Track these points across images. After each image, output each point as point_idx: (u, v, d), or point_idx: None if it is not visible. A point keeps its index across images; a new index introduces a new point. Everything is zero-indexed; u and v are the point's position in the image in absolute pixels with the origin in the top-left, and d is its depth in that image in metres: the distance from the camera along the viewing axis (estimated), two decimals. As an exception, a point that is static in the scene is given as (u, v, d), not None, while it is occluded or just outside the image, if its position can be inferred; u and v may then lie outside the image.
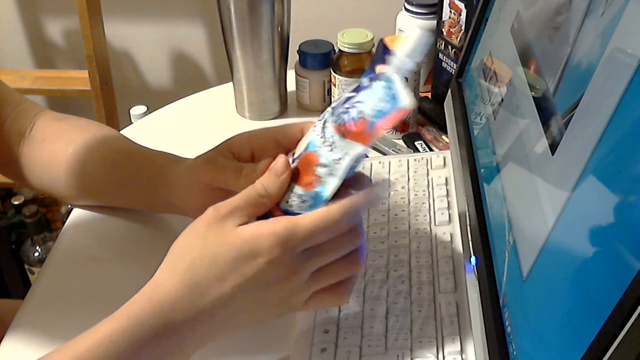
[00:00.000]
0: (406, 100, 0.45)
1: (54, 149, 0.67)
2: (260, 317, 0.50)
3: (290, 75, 0.91)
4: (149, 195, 0.65)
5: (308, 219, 0.47)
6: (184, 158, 0.63)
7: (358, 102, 0.47)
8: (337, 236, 0.48)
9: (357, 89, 0.49)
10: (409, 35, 0.47)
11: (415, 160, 0.75)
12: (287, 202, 0.49)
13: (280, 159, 0.49)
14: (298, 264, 0.47)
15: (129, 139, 0.70)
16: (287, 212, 0.49)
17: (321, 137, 0.49)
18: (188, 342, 0.47)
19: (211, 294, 0.46)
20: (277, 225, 0.46)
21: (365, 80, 0.49)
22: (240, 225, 0.47)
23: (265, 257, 0.46)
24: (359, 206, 0.48)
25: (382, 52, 0.48)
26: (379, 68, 0.48)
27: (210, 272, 0.46)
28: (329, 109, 0.50)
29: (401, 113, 0.46)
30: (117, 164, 0.67)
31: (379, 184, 0.50)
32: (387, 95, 0.46)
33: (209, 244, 0.47)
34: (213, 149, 0.60)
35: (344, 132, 0.47)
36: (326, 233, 0.47)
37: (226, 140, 0.59)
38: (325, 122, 0.49)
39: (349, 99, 0.49)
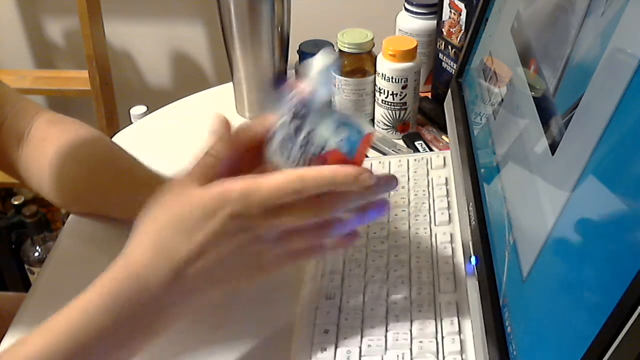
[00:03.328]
0: (367, 127, 0.47)
1: (52, 153, 0.67)
2: (232, 278, 0.49)
3: (290, 75, 0.91)
4: (131, 203, 0.65)
5: (275, 177, 0.46)
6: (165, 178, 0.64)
7: (312, 132, 0.48)
8: (307, 199, 0.47)
9: (299, 116, 0.49)
10: (316, 61, 0.48)
11: (415, 160, 0.75)
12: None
13: (220, 119, 0.52)
14: (264, 218, 0.47)
15: (117, 145, 0.70)
16: None
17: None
18: (163, 308, 0.47)
19: (179, 253, 0.46)
20: (241, 181, 0.46)
21: (292, 106, 0.49)
22: (202, 185, 0.48)
23: (230, 209, 0.46)
24: (331, 177, 0.47)
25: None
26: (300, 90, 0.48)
27: (177, 232, 0.47)
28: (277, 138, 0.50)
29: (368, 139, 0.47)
30: (98, 168, 0.67)
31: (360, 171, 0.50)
32: (340, 123, 0.47)
33: (174, 207, 0.47)
34: None
35: (322, 162, 0.48)
36: (291, 192, 0.46)
37: None
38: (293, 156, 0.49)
39: (297, 130, 0.49)
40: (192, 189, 0.47)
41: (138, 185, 0.64)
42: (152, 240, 0.47)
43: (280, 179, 0.46)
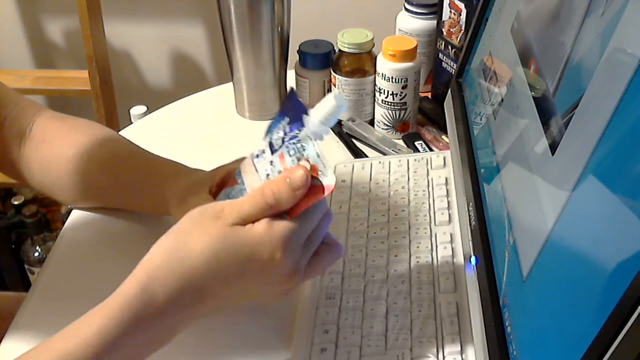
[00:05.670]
0: (332, 180, 0.47)
1: (54, 150, 0.67)
2: (256, 303, 0.52)
3: (290, 75, 0.91)
4: (151, 198, 0.65)
5: (300, 216, 0.48)
6: (183, 170, 0.64)
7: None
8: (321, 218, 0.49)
9: (271, 144, 0.50)
10: (325, 102, 0.48)
11: (415, 160, 0.75)
12: None
13: (300, 172, 0.46)
14: (298, 265, 0.48)
15: (129, 141, 0.70)
16: None
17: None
18: (178, 325, 0.48)
19: (206, 287, 0.46)
20: (280, 227, 0.47)
21: (278, 136, 0.49)
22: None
23: (270, 259, 0.46)
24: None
25: (293, 105, 0.49)
26: (295, 128, 0.49)
27: (209, 269, 0.46)
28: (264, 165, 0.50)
29: (322, 193, 0.47)
30: (118, 167, 0.67)
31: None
32: (305, 162, 0.48)
33: (213, 242, 0.46)
34: (199, 178, 0.60)
35: None
36: (317, 215, 0.48)
37: (214, 169, 0.60)
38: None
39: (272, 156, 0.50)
40: (235, 229, 0.47)
41: (160, 180, 0.64)
42: (181, 268, 0.46)
43: (301, 215, 0.47)
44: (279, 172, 0.49)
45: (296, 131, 0.48)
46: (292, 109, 0.49)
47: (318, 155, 0.47)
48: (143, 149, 0.68)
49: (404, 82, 0.81)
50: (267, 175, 0.49)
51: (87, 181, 0.67)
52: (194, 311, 0.47)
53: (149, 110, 1.00)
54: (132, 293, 0.46)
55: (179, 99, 0.98)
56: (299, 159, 0.48)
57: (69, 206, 0.76)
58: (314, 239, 0.49)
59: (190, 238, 0.47)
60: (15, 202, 1.47)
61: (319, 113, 0.48)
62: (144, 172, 0.65)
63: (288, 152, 0.48)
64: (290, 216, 0.47)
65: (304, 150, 0.48)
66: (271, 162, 0.49)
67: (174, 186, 0.62)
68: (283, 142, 0.49)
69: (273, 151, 0.50)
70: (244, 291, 0.48)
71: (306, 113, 0.48)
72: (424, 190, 0.70)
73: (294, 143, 0.48)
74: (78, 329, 0.45)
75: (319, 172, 0.47)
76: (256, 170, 0.50)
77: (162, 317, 0.46)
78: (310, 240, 0.49)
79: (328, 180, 0.46)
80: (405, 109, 0.84)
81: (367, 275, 0.61)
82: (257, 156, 0.51)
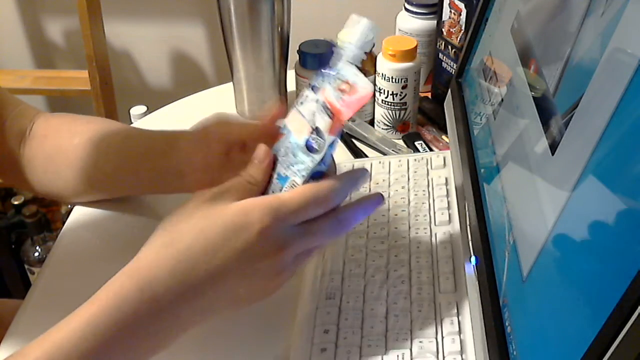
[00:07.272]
0: (368, 85, 0.48)
1: (58, 141, 0.67)
2: (247, 299, 0.49)
3: (290, 75, 0.91)
4: (161, 171, 0.64)
5: (298, 191, 0.48)
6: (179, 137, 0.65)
7: (324, 96, 0.50)
8: (325, 216, 0.49)
9: (313, 88, 0.51)
10: (357, 26, 0.49)
11: (415, 160, 0.75)
12: (273, 191, 0.52)
13: (261, 148, 0.51)
14: (288, 239, 0.47)
15: (134, 127, 0.71)
16: None
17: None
18: (172, 324, 0.46)
19: (198, 269, 0.45)
20: (267, 198, 0.47)
21: (319, 78, 0.51)
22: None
23: (256, 228, 0.45)
24: (345, 185, 0.50)
25: (330, 55, 0.51)
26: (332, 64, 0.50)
27: (197, 245, 0.45)
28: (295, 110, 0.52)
29: (365, 98, 0.48)
30: (125, 148, 0.67)
31: (358, 170, 0.53)
32: (345, 84, 0.49)
33: (196, 218, 0.46)
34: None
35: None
36: (315, 206, 0.48)
37: (199, 130, 0.63)
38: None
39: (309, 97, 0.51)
40: (219, 204, 0.47)
41: (169, 149, 0.64)
42: (167, 249, 0.46)
43: (304, 189, 0.48)
44: (323, 105, 0.49)
45: (332, 67, 0.50)
46: (329, 61, 0.51)
47: (355, 74, 0.49)
48: (146, 129, 0.69)
49: (404, 82, 0.81)
50: (314, 113, 0.50)
51: (92, 168, 0.66)
52: (188, 299, 0.45)
53: (149, 110, 1.00)
54: (118, 282, 0.45)
55: (179, 99, 0.98)
56: (338, 85, 0.49)
57: (72, 202, 0.76)
58: (309, 232, 0.49)
59: (179, 225, 0.47)
60: (15, 202, 1.48)
61: (353, 37, 0.49)
62: (152, 145, 0.65)
63: (329, 83, 0.50)
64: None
65: (342, 76, 0.49)
66: (316, 100, 0.51)
67: (187, 133, 0.64)
68: (323, 79, 0.50)
69: (316, 91, 0.51)
70: (238, 273, 0.46)
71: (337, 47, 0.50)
72: (424, 190, 0.70)
73: (332, 75, 0.50)
74: (67, 322, 0.45)
75: (358, 88, 0.48)
76: (302, 115, 0.52)
77: (156, 307, 0.45)
78: (306, 229, 0.48)
79: (366, 88, 0.48)
80: (405, 109, 0.84)
81: (367, 275, 0.61)
82: (302, 103, 0.52)
